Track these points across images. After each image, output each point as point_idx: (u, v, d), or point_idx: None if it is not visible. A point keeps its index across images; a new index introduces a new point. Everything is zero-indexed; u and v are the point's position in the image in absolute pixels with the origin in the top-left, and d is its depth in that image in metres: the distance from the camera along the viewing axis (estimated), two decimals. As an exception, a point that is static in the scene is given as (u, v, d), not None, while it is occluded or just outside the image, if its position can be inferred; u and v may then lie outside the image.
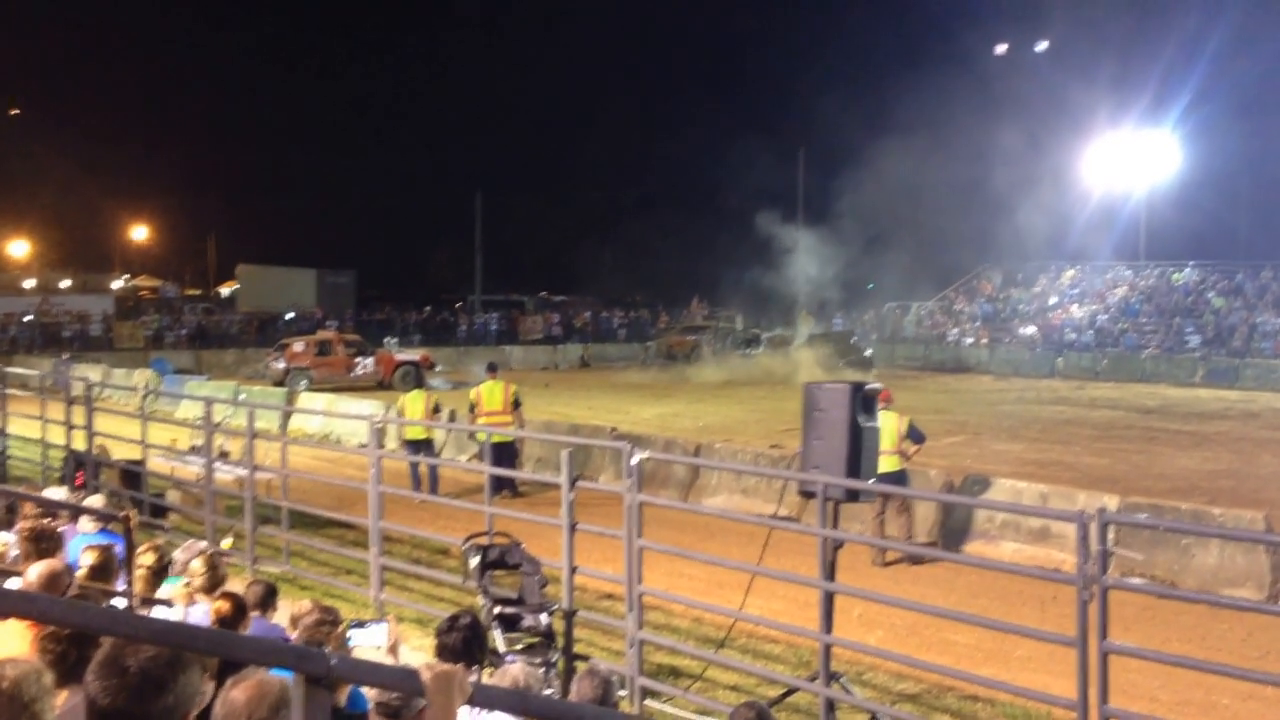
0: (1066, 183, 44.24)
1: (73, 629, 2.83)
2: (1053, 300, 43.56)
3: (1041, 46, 47.11)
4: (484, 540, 7.84)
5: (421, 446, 14.48)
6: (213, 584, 5.60)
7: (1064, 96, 42.39)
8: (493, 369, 15.90)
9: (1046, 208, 42.04)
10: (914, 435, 11.41)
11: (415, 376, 16.61)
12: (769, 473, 11.24)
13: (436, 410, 15.03)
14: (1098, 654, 5.44)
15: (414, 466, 14.13)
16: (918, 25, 49.97)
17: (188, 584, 5.62)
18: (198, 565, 5.68)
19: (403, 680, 2.65)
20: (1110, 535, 6.10)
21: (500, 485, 13.49)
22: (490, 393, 14.81)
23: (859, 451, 6.89)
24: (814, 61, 55.14)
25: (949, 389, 30.71)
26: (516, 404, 14.82)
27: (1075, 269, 45.42)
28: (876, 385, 7.47)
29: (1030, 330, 40.68)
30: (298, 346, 30.34)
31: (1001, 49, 47.27)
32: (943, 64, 41.14)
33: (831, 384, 7.42)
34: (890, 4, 51.69)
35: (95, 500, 7.83)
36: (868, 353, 36.79)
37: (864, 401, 6.99)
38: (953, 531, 11.86)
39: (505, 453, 13.92)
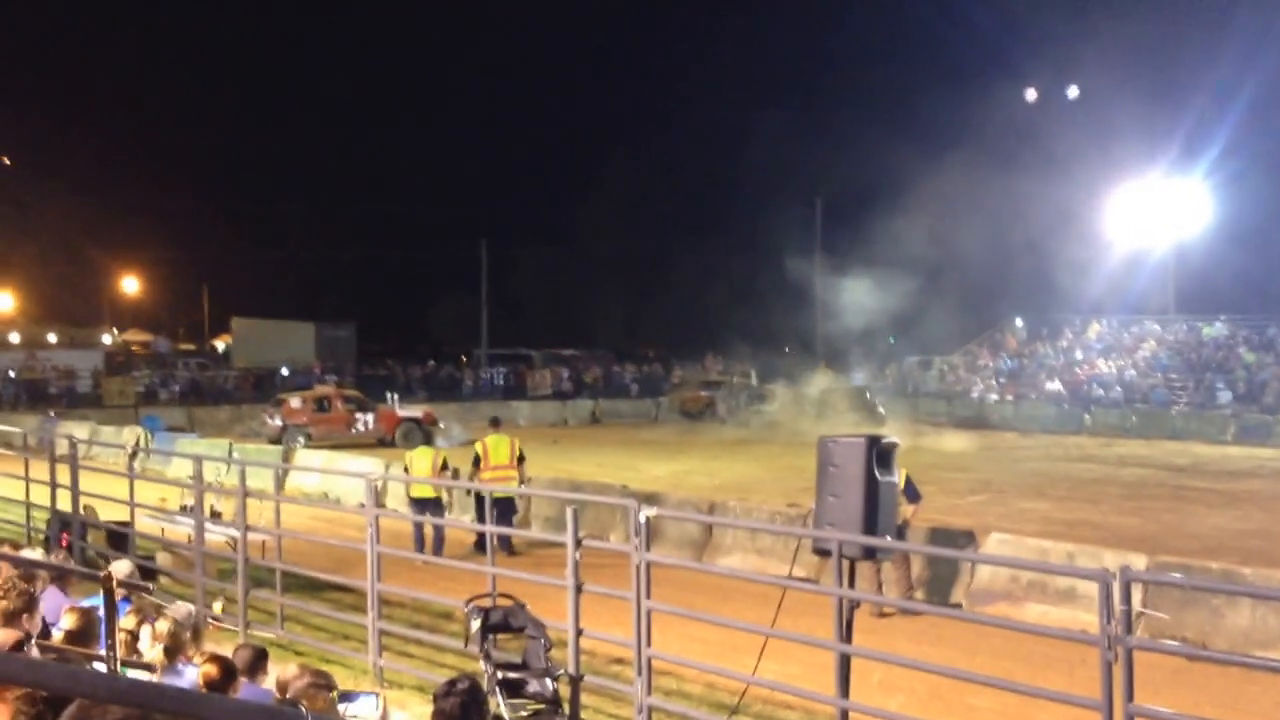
0: (1093, 234, 44.42)
1: (34, 688, 2.82)
2: (1079, 355, 43.53)
3: (1071, 94, 47.47)
4: (487, 602, 7.82)
5: (429, 505, 14.44)
6: (176, 649, 5.56)
7: (1092, 146, 42.70)
8: (496, 423, 16.00)
9: (1072, 260, 42.20)
10: (909, 492, 11.33)
11: (423, 433, 16.67)
12: (783, 530, 11.22)
13: (444, 468, 14.99)
14: (1123, 718, 5.38)
15: (418, 526, 14.07)
16: (942, 74, 50.55)
17: (151, 647, 5.58)
18: (162, 627, 5.65)
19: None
20: (1137, 595, 6.07)
21: (499, 543, 13.53)
22: (496, 447, 14.92)
23: (876, 507, 6.89)
24: (833, 110, 55.72)
25: (972, 446, 30.61)
26: (520, 459, 14.88)
27: (1102, 323, 45.44)
28: (893, 439, 7.47)
29: (1056, 386, 40.60)
30: (295, 403, 30.43)
31: (1030, 97, 47.70)
32: (967, 113, 41.55)
33: (847, 438, 7.42)
34: (912, 52, 52.38)
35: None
36: (880, 409, 36.75)
37: (880, 456, 7.00)
38: (976, 592, 11.78)
39: (506, 509, 13.94)
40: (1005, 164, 37.63)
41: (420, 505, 14.33)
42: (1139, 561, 10.91)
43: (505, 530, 13.19)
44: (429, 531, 14.12)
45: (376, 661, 9.28)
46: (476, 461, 14.82)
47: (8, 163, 60.48)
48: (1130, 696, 5.40)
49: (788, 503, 16.81)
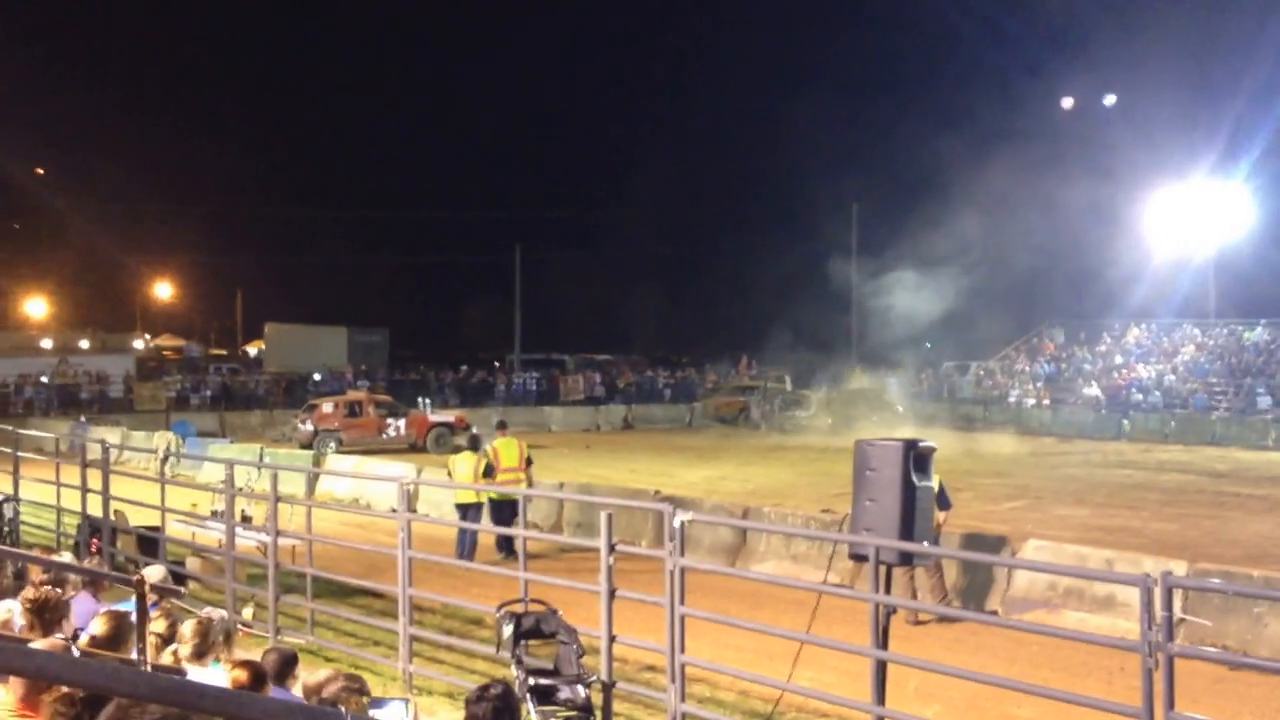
0: (1133, 238, 43.97)
1: (79, 687, 2.84)
2: (1118, 359, 43.08)
3: (1109, 98, 47.01)
4: (519, 608, 7.80)
5: (470, 510, 14.47)
6: (201, 651, 5.56)
7: (1131, 149, 42.26)
8: (503, 426, 16.31)
9: (1112, 263, 41.79)
10: (940, 500, 11.19)
11: (468, 439, 16.72)
12: (818, 535, 11.13)
13: (488, 473, 14.99)
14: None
15: (462, 532, 14.05)
16: (980, 78, 50.22)
17: (175, 650, 5.59)
18: (187, 629, 5.65)
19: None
20: (1178, 602, 5.97)
21: (503, 545, 14.08)
22: (506, 449, 15.17)
23: (913, 512, 6.81)
24: (870, 114, 55.49)
25: (1009, 451, 30.37)
26: (529, 462, 15.20)
27: (1142, 327, 44.95)
28: (931, 443, 7.39)
29: (1094, 390, 40.20)
30: (327, 408, 30.60)
31: (1068, 101, 47.28)
32: (1004, 117, 41.25)
33: (884, 442, 7.35)
34: (950, 57, 52.03)
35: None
36: (899, 408, 36.59)
37: (918, 460, 6.93)
38: (1012, 600, 11.66)
39: (511, 511, 14.02)
40: (1045, 168, 37.32)
41: (463, 511, 14.37)
42: (1179, 568, 10.78)
43: (510, 531, 13.22)
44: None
45: (407, 667, 9.28)
46: (489, 469, 14.86)
47: (40, 172, 61.37)
48: (1171, 704, 5.31)
49: (822, 509, 16.73)
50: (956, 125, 45.96)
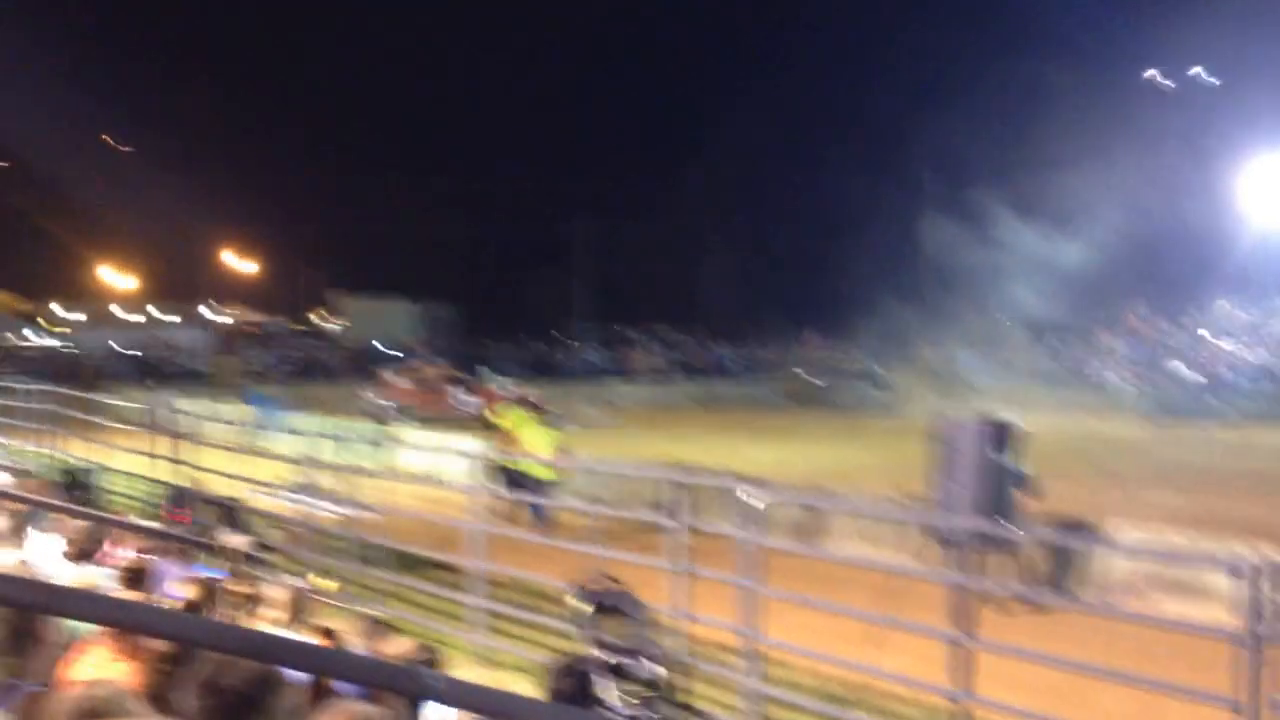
0: (1222, 209, 42.77)
1: (178, 641, 2.92)
2: (1207, 335, 41.99)
3: (1198, 68, 45.72)
4: (592, 584, 7.85)
5: (545, 487, 14.68)
6: (290, 617, 5.71)
7: (1221, 120, 41.07)
8: (524, 401, 17.15)
9: (1200, 236, 40.69)
10: (1024, 483, 11.03)
11: (543, 414, 17.13)
12: (897, 515, 11.03)
13: (561, 450, 15.25)
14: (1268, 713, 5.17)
15: (534, 506, 14.28)
16: (1058, 49, 48.99)
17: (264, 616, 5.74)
18: (276, 595, 5.79)
19: (519, 706, 2.65)
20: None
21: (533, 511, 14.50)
22: (526, 423, 15.91)
23: (996, 493, 6.73)
24: (947, 84, 54.47)
25: (1093, 432, 29.79)
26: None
27: (1234, 302, 43.73)
28: (1016, 421, 7.28)
29: (1183, 369, 39.24)
30: (399, 381, 31.05)
31: (1152, 72, 46.09)
32: (1089, 88, 40.30)
33: (966, 420, 7.26)
34: (1028, 29, 50.76)
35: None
36: (976, 386, 36.26)
37: (1001, 439, 6.83)
38: (1097, 587, 11.45)
39: (538, 484, 14.70)
40: (1129, 140, 36.44)
41: (539, 486, 14.56)
42: (1276, 555, 10.49)
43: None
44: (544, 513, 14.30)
45: (479, 640, 9.40)
46: (506, 432, 15.72)
47: (123, 149, 62.87)
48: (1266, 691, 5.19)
49: (899, 490, 16.58)
50: (1036, 94, 44.91)
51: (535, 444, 15.16)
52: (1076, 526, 12.35)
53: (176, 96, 64.88)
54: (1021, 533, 6.78)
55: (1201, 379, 38.04)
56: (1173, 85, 44.47)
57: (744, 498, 7.41)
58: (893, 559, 11.11)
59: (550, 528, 14.16)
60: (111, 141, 61.69)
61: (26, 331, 53.40)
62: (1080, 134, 37.89)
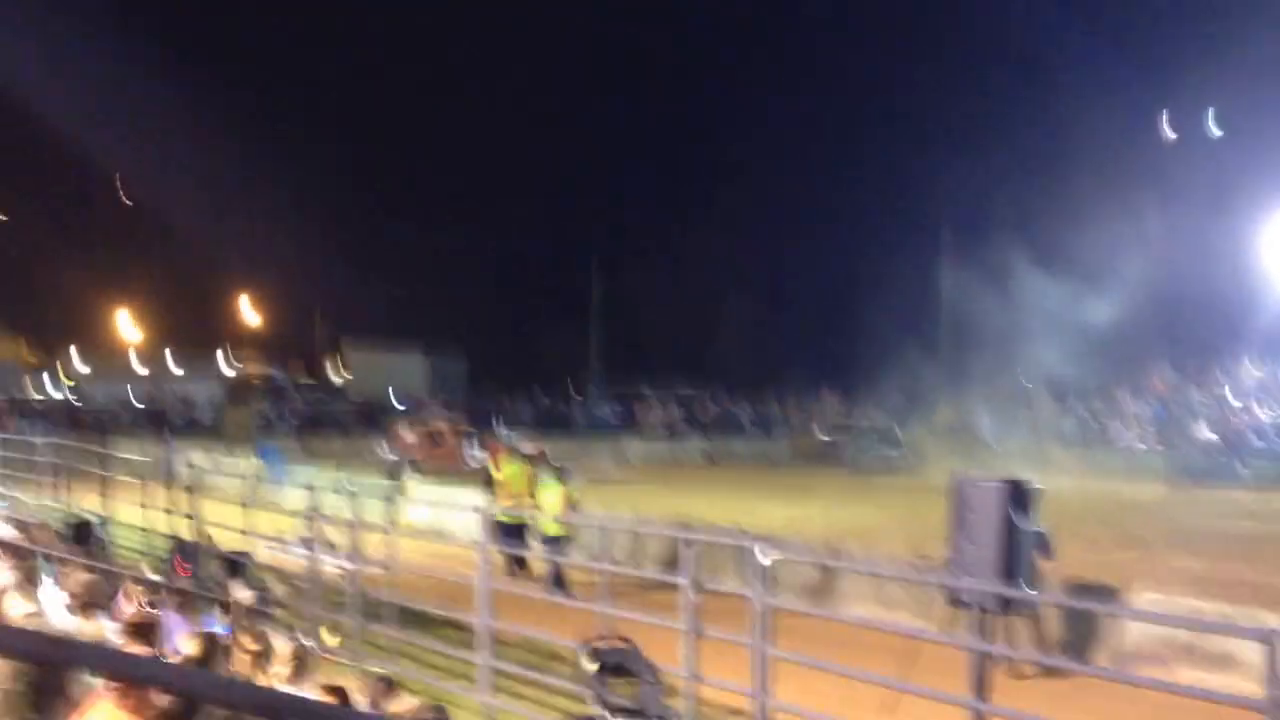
0: (1248, 270, 42.74)
1: (183, 694, 2.95)
2: (1233, 399, 41.79)
3: (1216, 126, 45.97)
4: (601, 644, 7.84)
5: (557, 542, 14.67)
6: (296, 673, 5.72)
7: (1243, 179, 41.16)
8: (518, 451, 17.33)
9: (1225, 298, 40.64)
10: (1041, 545, 10.90)
11: (554, 469, 17.11)
12: (914, 578, 10.98)
13: (572, 506, 15.26)
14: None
15: (551, 567, 14.26)
16: (1080, 105, 49.39)
17: (271, 672, 5.76)
18: (282, 651, 5.81)
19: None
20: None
21: (518, 564, 14.77)
22: (516, 473, 16.15)
23: (1015, 556, 6.72)
24: (962, 139, 54.86)
25: (1114, 494, 29.60)
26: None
27: (1259, 365, 43.57)
28: (1034, 483, 7.29)
29: (1207, 433, 39.03)
30: (407, 434, 31.12)
31: (1173, 130, 46.36)
32: (1108, 146, 40.51)
33: (984, 481, 7.27)
34: (1051, 85, 51.19)
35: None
36: (994, 447, 36.14)
37: (1020, 501, 6.84)
38: (1119, 655, 11.35)
39: (518, 533, 15.00)
40: (1151, 198, 36.57)
41: (552, 542, 14.55)
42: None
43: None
44: (536, 568, 14.30)
45: (487, 700, 9.37)
46: (492, 484, 16.17)
47: (129, 202, 63.68)
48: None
49: (914, 551, 16.49)
50: (1056, 154, 45.20)
51: (544, 499, 15.18)
52: (1095, 591, 12.27)
53: (190, 148, 65.67)
54: (1040, 596, 6.76)
55: (1224, 442, 37.83)
56: (1187, 138, 44.66)
57: (756, 556, 7.41)
58: (908, 622, 11.04)
59: (563, 589, 14.11)
60: (122, 194, 62.44)
61: (44, 381, 53.70)
62: (1103, 191, 38.03)
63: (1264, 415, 39.54)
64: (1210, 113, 45.38)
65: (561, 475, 16.02)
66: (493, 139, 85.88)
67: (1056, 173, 40.65)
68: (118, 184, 62.35)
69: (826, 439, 39.71)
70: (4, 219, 59.04)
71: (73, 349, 63.29)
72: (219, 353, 65.91)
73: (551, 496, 15.04)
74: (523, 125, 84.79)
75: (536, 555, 14.72)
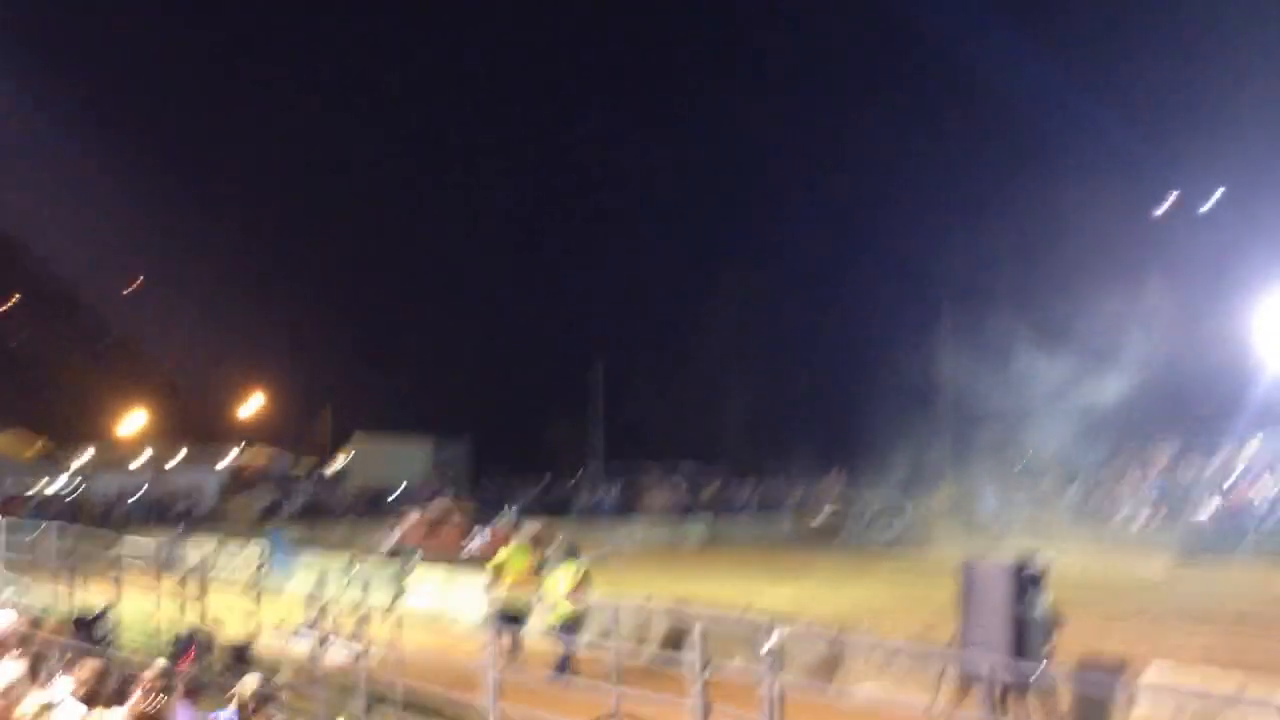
0: (1247, 343, 42.81)
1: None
2: (1236, 474, 41.61)
3: (1215, 200, 46.41)
4: (610, 726, 7.76)
5: (571, 624, 14.50)
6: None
7: (1241, 252, 41.45)
8: (519, 532, 17.33)
9: (1226, 371, 40.66)
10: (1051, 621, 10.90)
11: (567, 548, 16.99)
12: (926, 654, 10.88)
13: (586, 582, 15.11)
14: None
15: (562, 658, 14.05)
16: (1079, 181, 50.04)
17: None
18: None
19: None
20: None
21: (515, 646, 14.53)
22: (516, 557, 16.08)
23: (1024, 634, 6.69)
24: (959, 218, 55.44)
25: (1120, 571, 29.38)
26: (539, 568, 16.07)
27: (1261, 439, 43.45)
28: (1043, 561, 7.28)
29: (1211, 507, 38.81)
30: (411, 519, 30.98)
31: (1170, 204, 46.82)
32: (1102, 221, 40.89)
33: (992, 561, 7.27)
34: (1051, 164, 51.85)
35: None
36: (998, 523, 35.99)
37: (1028, 580, 6.82)
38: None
39: (518, 617, 14.95)
40: (1149, 272, 36.81)
41: (565, 626, 14.40)
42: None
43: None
44: (569, 650, 14.12)
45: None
46: (496, 569, 16.00)
47: (139, 282, 64.22)
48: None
49: (922, 630, 16.31)
50: (1055, 230, 45.60)
51: (557, 579, 15.09)
52: (1105, 665, 12.14)
53: (186, 240, 66.26)
54: (1049, 673, 6.70)
55: (1226, 516, 37.60)
56: (1188, 214, 45.01)
57: (763, 635, 7.37)
58: (917, 700, 10.92)
59: (569, 672, 13.95)
60: (135, 284, 63.03)
61: (51, 472, 53.52)
62: (1104, 268, 38.26)
63: (1266, 489, 39.35)
64: (1213, 191, 45.84)
65: (573, 554, 15.94)
66: (494, 226, 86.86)
67: (1057, 250, 40.94)
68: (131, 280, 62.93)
69: (829, 517, 39.49)
70: (11, 304, 59.44)
71: (79, 440, 63.25)
72: (217, 442, 65.87)
73: (565, 576, 14.97)
74: (525, 213, 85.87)
75: (542, 637, 14.55)
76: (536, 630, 15.96)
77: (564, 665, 13.85)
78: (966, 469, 41.49)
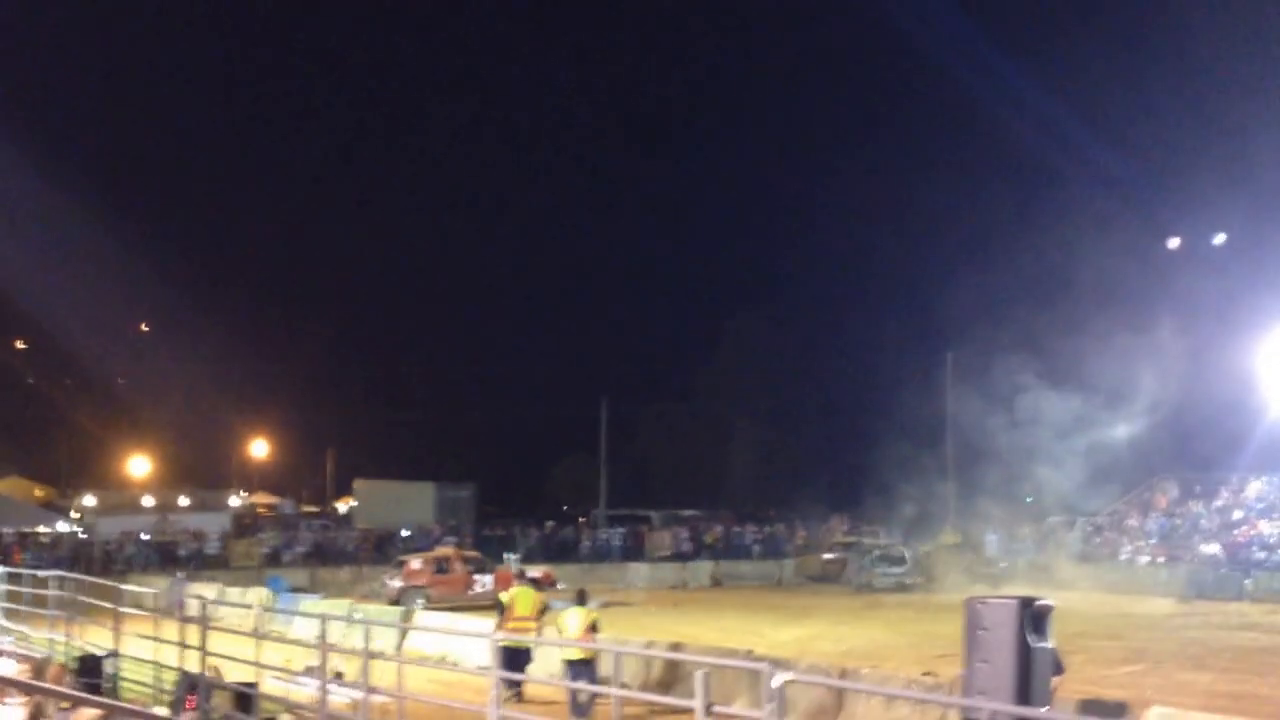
0: (1248, 384, 42.68)
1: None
2: (1238, 515, 41.39)
3: (1218, 240, 46.41)
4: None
5: (581, 667, 14.38)
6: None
7: (1244, 293, 41.39)
8: (523, 576, 17.96)
9: (1227, 412, 40.50)
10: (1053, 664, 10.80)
11: (577, 592, 16.97)
12: (927, 698, 10.80)
13: (594, 629, 15.08)
14: None
15: (572, 692, 13.97)
16: (1081, 221, 50.20)
17: None
18: None
19: None
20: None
21: (512, 685, 14.47)
22: (522, 599, 16.36)
23: (1029, 675, 6.63)
24: (963, 260, 55.58)
25: (1123, 612, 29.20)
26: (543, 611, 16.54)
27: (1262, 480, 43.24)
28: (1047, 602, 7.23)
29: (1212, 548, 38.58)
30: (415, 564, 30.81)
31: (1174, 244, 46.84)
32: (1107, 260, 40.84)
33: (997, 600, 7.22)
34: (1047, 204, 52.05)
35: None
36: (1001, 565, 35.74)
37: (1034, 619, 6.77)
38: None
39: (524, 659, 15.40)
40: (1152, 312, 36.76)
41: (574, 668, 14.29)
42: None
43: (518, 676, 13.97)
44: (582, 697, 13.99)
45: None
46: (502, 610, 16.44)
47: (145, 329, 64.36)
48: None
49: (924, 671, 16.16)
50: (1056, 273, 45.66)
51: (566, 624, 15.03)
52: (1108, 707, 12.02)
53: (190, 289, 66.57)
54: (1060, 715, 6.63)
55: (1228, 556, 37.38)
56: (1193, 254, 44.85)
57: (766, 678, 7.30)
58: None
59: (586, 714, 13.83)
60: (139, 330, 63.22)
61: (54, 516, 53.30)
62: (1109, 309, 38.14)
63: (1268, 529, 39.13)
64: (1219, 231, 45.81)
65: (582, 601, 15.86)
66: (498, 272, 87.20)
67: (1062, 292, 40.90)
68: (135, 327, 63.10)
69: (832, 559, 39.29)
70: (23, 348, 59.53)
71: (82, 484, 63.13)
72: (223, 486, 65.77)
73: (574, 621, 14.90)
74: (531, 258, 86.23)
75: (547, 679, 14.48)
76: (543, 670, 15.88)
77: (584, 710, 13.72)
78: (971, 510, 41.28)
